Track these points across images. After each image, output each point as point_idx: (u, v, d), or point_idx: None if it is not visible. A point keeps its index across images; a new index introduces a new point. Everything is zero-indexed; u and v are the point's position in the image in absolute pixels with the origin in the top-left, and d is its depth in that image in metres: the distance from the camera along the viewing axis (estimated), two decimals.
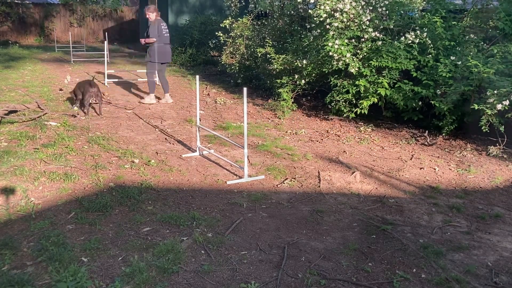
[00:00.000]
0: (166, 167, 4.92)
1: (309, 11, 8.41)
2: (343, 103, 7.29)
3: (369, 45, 6.97)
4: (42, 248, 3.06)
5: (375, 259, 3.16)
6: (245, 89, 4.59)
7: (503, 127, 5.68)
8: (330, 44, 6.72)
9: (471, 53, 6.33)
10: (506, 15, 6.46)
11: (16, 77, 10.38)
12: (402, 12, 7.54)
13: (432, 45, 6.54)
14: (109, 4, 25.33)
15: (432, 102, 6.29)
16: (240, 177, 4.72)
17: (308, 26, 8.12)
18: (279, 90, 8.04)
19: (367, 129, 6.92)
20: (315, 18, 7.31)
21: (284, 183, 4.63)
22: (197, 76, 5.26)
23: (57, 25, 22.36)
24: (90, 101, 7.08)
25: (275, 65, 8.01)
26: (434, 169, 5.20)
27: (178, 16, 16.68)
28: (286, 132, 6.69)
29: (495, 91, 5.35)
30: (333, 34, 6.85)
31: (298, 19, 8.99)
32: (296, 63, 7.56)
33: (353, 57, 6.87)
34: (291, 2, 9.06)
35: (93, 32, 23.68)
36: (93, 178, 4.44)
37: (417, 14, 7.26)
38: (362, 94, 6.92)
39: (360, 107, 6.92)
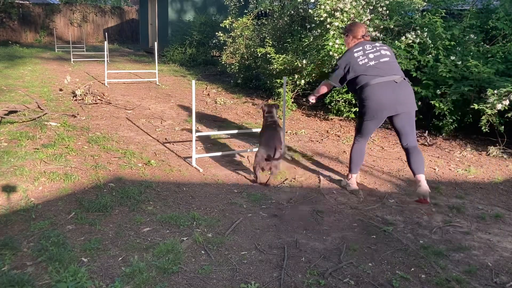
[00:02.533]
0: (166, 167, 4.92)
1: (309, 11, 8.42)
2: (343, 103, 7.29)
3: None
4: (42, 248, 3.06)
5: (375, 259, 3.16)
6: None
7: (503, 127, 5.68)
8: (330, 43, 6.73)
9: (471, 53, 6.33)
10: (506, 15, 6.46)
11: (16, 77, 10.39)
12: (402, 12, 7.54)
13: (432, 45, 6.54)
14: (110, 3, 25.34)
15: (432, 102, 6.28)
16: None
17: (308, 26, 8.13)
18: (279, 90, 8.04)
19: None
20: (315, 18, 7.32)
21: (284, 183, 4.63)
22: (193, 81, 5.25)
23: (58, 25, 22.37)
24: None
25: (275, 65, 8.01)
26: (434, 169, 5.20)
27: (179, 14, 16.63)
28: (286, 132, 6.69)
29: (495, 91, 5.35)
30: (334, 34, 6.86)
31: (298, 19, 8.99)
32: (296, 63, 7.56)
33: None
34: (291, 2, 9.06)
35: (93, 32, 23.69)
36: (93, 178, 4.44)
37: (417, 14, 7.26)
38: None
39: None
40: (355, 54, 4.14)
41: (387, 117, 4.14)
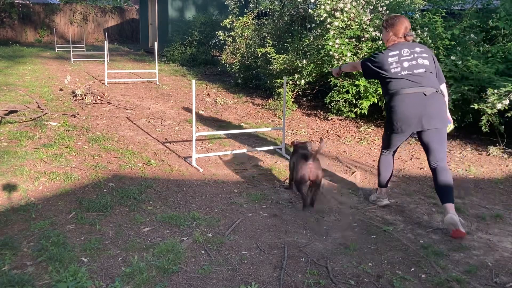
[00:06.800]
0: (166, 167, 4.92)
1: (310, 10, 8.42)
2: (343, 103, 7.29)
3: (370, 45, 6.96)
4: (42, 248, 3.06)
5: (375, 259, 3.16)
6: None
7: (503, 126, 5.67)
8: (330, 43, 6.73)
9: (471, 53, 6.33)
10: (506, 15, 6.46)
11: (16, 77, 10.39)
12: (402, 11, 7.53)
13: (432, 45, 6.54)
14: (111, 3, 25.32)
15: None
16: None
17: (309, 26, 8.13)
18: (279, 90, 8.04)
19: (367, 129, 6.91)
20: (315, 18, 7.32)
21: (284, 183, 4.63)
22: (193, 81, 5.24)
23: (58, 24, 22.37)
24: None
25: (275, 65, 8.01)
26: None
27: (179, 14, 16.62)
28: (286, 132, 6.68)
29: (495, 91, 5.35)
30: (334, 34, 6.86)
31: (299, 19, 8.99)
32: (296, 63, 7.56)
33: (354, 56, 6.87)
34: (291, 1, 9.06)
35: (93, 31, 23.69)
36: (93, 178, 4.44)
37: (417, 14, 7.26)
38: (362, 94, 6.92)
39: (360, 107, 6.92)
40: (389, 60, 3.69)
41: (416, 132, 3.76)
